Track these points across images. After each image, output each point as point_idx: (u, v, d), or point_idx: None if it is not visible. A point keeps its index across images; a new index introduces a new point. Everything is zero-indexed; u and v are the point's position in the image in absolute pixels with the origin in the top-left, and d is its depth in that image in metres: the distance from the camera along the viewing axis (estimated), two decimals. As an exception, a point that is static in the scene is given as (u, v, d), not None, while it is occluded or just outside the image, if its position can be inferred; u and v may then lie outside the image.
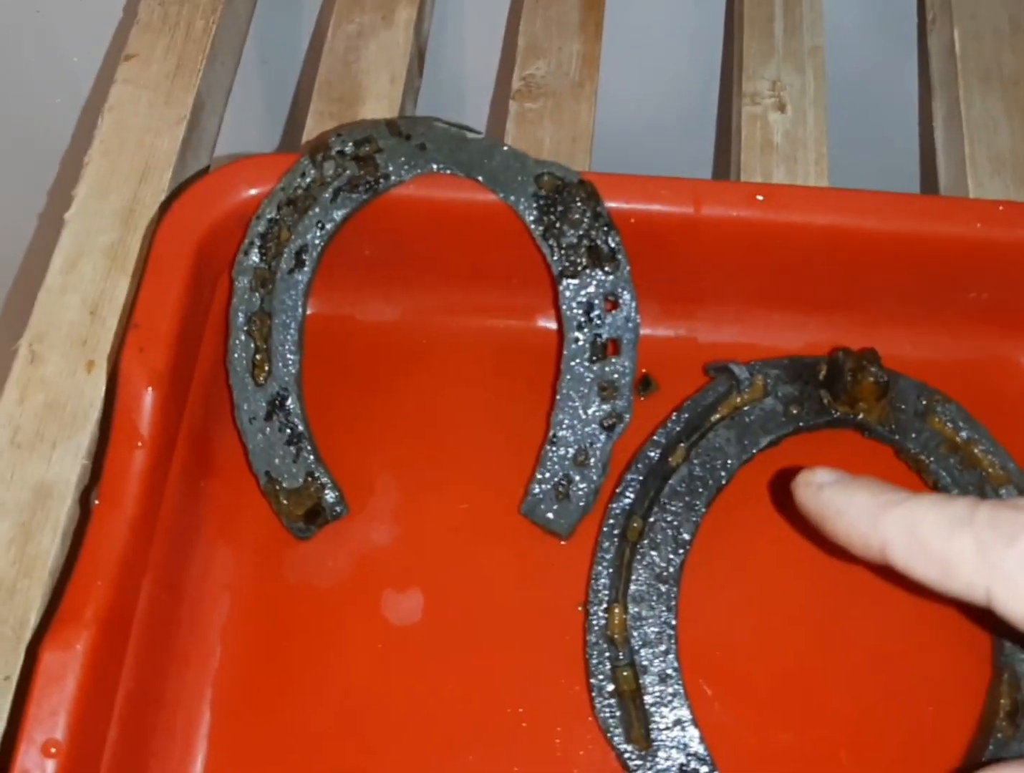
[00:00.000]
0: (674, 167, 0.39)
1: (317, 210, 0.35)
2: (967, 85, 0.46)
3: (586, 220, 0.35)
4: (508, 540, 0.35)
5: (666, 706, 0.32)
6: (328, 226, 0.35)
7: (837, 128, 0.45)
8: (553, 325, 0.39)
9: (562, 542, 0.35)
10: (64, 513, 0.36)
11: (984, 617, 0.28)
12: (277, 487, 0.35)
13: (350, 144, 0.36)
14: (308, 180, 0.35)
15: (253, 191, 0.36)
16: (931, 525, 0.24)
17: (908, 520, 0.25)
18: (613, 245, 0.35)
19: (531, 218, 0.36)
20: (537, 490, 0.35)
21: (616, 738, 0.32)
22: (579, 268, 0.35)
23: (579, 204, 0.35)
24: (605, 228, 0.35)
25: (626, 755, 0.32)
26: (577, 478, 0.35)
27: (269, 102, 0.57)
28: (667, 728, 0.32)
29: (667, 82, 0.54)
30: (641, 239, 0.36)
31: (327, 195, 0.35)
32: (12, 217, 0.61)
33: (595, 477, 0.35)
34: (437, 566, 0.35)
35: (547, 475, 0.35)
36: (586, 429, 0.35)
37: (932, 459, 0.35)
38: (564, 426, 0.35)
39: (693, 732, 0.32)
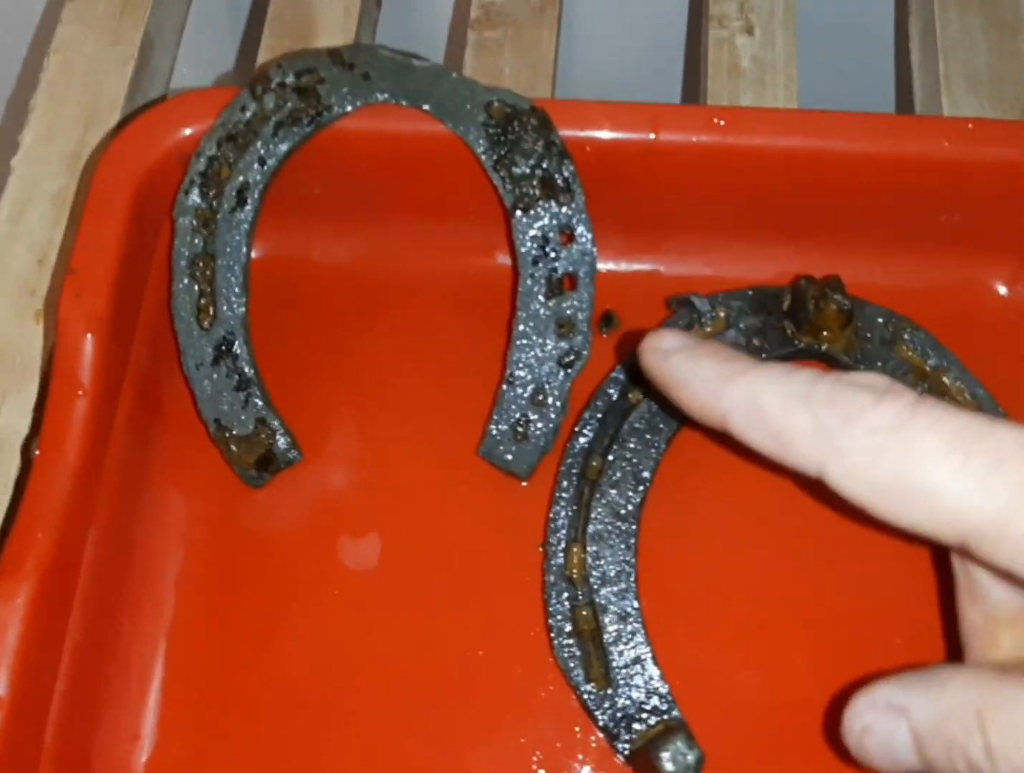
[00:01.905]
0: (643, 97, 0.38)
1: (258, 146, 0.34)
2: (943, 2, 0.44)
3: (538, 149, 0.34)
4: (467, 482, 0.35)
5: (625, 644, 0.31)
6: (270, 162, 0.34)
7: (809, 52, 0.44)
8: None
9: (522, 483, 0.34)
10: (15, 466, 0.35)
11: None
12: (227, 434, 0.34)
13: (291, 75, 0.34)
14: (248, 114, 0.34)
15: (194, 128, 0.34)
16: (770, 400, 0.24)
17: (748, 392, 0.24)
18: (567, 175, 0.34)
19: (481, 149, 0.34)
20: (495, 431, 0.34)
21: (576, 678, 0.31)
22: (532, 200, 0.34)
23: (531, 133, 0.34)
24: (558, 157, 0.34)
25: (586, 695, 0.31)
26: (535, 418, 0.34)
27: (227, 38, 0.55)
28: (626, 666, 0.31)
29: (635, 7, 0.52)
30: (599, 169, 0.35)
31: (268, 130, 0.34)
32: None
33: (553, 416, 0.34)
34: (395, 510, 0.34)
35: (504, 415, 0.34)
36: (543, 367, 0.34)
37: (900, 388, 0.34)
38: (521, 365, 0.34)
39: (653, 670, 0.31)
